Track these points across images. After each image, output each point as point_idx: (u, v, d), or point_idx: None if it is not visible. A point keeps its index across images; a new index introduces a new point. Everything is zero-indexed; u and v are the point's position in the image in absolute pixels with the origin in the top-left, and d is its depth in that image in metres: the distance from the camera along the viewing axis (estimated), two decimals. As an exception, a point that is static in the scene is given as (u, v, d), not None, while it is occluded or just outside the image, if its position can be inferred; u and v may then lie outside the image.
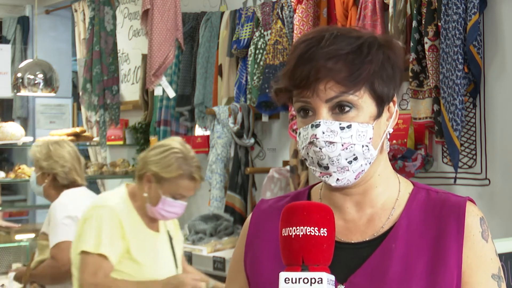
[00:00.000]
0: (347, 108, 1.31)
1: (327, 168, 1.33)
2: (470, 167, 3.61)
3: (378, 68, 1.33)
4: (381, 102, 1.35)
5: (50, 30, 7.54)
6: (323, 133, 1.30)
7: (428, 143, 3.75)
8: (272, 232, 1.42)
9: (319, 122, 1.31)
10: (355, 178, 1.34)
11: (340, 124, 1.31)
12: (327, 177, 1.34)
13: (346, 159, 1.32)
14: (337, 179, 1.33)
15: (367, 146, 1.33)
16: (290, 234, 1.22)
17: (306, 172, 4.11)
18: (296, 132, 4.09)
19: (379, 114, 1.35)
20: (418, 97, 3.67)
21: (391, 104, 1.39)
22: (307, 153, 1.34)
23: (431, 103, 3.61)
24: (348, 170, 1.33)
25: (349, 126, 1.31)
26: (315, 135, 1.31)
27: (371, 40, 1.34)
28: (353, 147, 1.32)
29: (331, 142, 1.31)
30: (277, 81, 1.39)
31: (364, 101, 1.32)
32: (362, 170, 1.34)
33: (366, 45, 1.33)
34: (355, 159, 1.33)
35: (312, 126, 1.32)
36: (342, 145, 1.31)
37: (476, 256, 1.34)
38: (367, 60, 1.32)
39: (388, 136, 1.40)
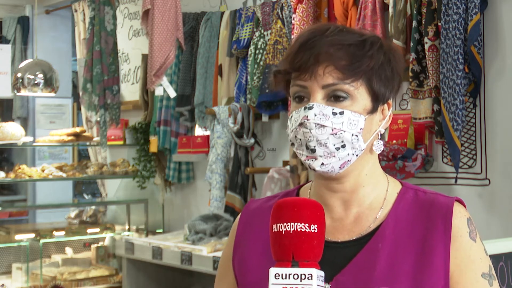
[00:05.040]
0: (342, 97, 1.32)
1: (313, 151, 1.33)
2: (470, 167, 3.61)
3: (378, 66, 1.34)
4: (376, 99, 1.36)
5: (50, 30, 7.54)
6: (315, 115, 1.31)
7: (428, 143, 3.75)
8: (261, 232, 1.43)
9: (313, 104, 1.32)
10: (340, 167, 1.34)
11: (333, 109, 1.32)
12: (312, 160, 1.34)
13: (334, 145, 1.33)
14: (322, 163, 1.33)
15: (356, 136, 1.34)
16: (281, 230, 1.23)
17: (306, 172, 4.11)
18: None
19: (373, 110, 1.36)
20: (418, 97, 3.67)
21: (386, 106, 1.40)
22: (295, 136, 1.34)
23: (431, 103, 3.60)
24: (334, 156, 1.33)
25: (341, 113, 1.32)
26: (307, 117, 1.32)
27: (374, 39, 1.37)
28: (343, 133, 1.32)
29: (321, 125, 1.31)
30: (277, 65, 1.40)
31: (360, 93, 1.33)
32: (348, 161, 1.35)
33: (369, 42, 1.35)
34: (343, 146, 1.33)
35: (305, 108, 1.33)
36: (332, 130, 1.32)
37: (464, 256, 1.34)
38: (369, 55, 1.33)
39: (379, 137, 1.40)
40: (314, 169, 1.35)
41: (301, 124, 1.32)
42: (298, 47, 1.34)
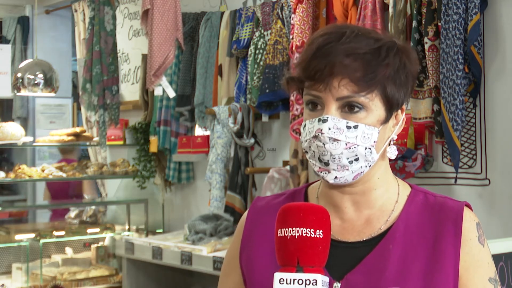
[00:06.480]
0: (356, 109, 1.31)
1: (327, 164, 1.33)
2: (470, 167, 3.61)
3: (393, 73, 1.33)
4: (391, 107, 1.35)
5: (50, 30, 7.54)
6: (329, 129, 1.30)
7: (428, 143, 3.75)
8: (268, 229, 1.43)
9: (327, 117, 1.31)
10: (353, 178, 1.35)
11: (348, 123, 1.31)
12: (325, 173, 1.34)
13: (348, 159, 1.32)
14: (335, 177, 1.34)
15: (370, 149, 1.33)
16: (286, 235, 1.22)
17: (306, 172, 4.11)
18: (296, 133, 4.10)
19: (386, 119, 1.36)
20: (418, 97, 3.67)
21: (399, 111, 1.40)
22: (309, 146, 1.34)
23: (431, 103, 3.60)
24: (347, 169, 1.33)
25: (355, 126, 1.31)
26: (321, 130, 1.31)
27: (390, 45, 1.35)
28: (357, 148, 1.32)
29: (335, 140, 1.31)
30: (289, 70, 1.39)
31: (375, 104, 1.32)
32: (361, 172, 1.35)
33: (385, 48, 1.33)
34: (357, 159, 1.33)
35: (319, 120, 1.32)
36: (346, 144, 1.31)
37: (473, 260, 1.36)
38: (384, 64, 1.32)
39: (392, 143, 1.40)
40: (327, 181, 1.35)
41: (315, 137, 1.32)
42: (312, 54, 1.32)
